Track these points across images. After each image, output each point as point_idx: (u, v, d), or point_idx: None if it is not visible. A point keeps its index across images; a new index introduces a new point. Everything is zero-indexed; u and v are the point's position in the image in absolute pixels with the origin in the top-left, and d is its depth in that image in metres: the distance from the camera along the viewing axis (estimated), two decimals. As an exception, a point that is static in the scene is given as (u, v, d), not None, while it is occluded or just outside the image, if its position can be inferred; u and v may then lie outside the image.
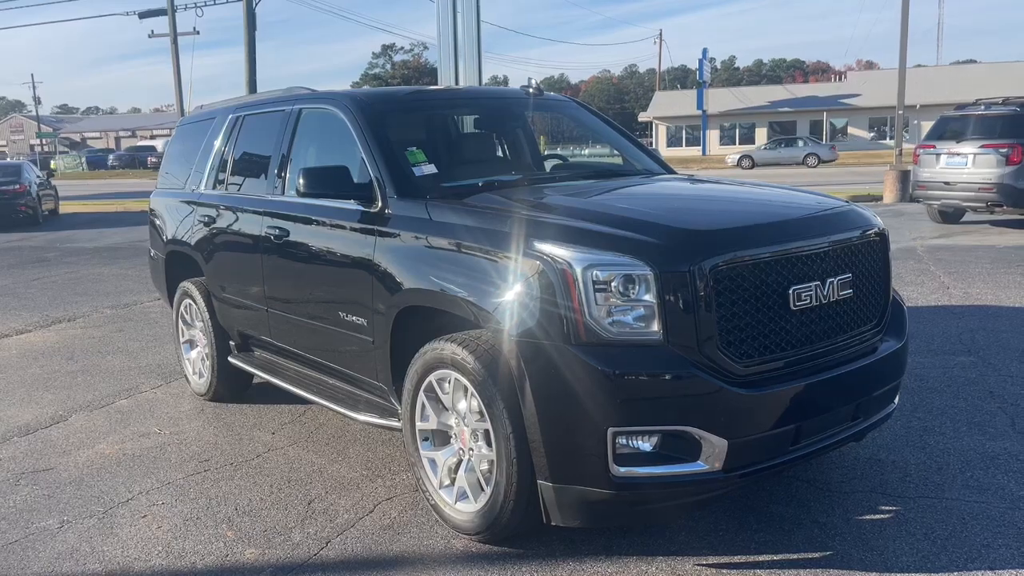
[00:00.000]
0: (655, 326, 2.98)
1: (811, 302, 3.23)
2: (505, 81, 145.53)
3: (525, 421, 3.12)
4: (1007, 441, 4.31)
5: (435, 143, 4.56)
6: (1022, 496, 3.67)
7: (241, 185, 5.17)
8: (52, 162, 61.08)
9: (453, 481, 3.58)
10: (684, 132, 56.66)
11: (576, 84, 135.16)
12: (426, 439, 3.69)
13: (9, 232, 19.06)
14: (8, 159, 52.14)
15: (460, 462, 3.55)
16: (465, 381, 3.35)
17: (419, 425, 3.69)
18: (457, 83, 17.22)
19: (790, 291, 3.16)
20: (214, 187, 5.42)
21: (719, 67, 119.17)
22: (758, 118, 54.69)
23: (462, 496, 3.52)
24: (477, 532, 3.43)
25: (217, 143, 5.49)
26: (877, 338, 3.57)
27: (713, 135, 54.60)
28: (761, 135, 54.17)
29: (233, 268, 5.17)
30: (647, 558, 3.29)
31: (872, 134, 52.45)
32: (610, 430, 2.96)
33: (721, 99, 55.54)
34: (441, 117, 4.76)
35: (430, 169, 4.04)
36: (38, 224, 20.66)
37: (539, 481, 3.15)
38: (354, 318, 4.04)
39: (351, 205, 4.01)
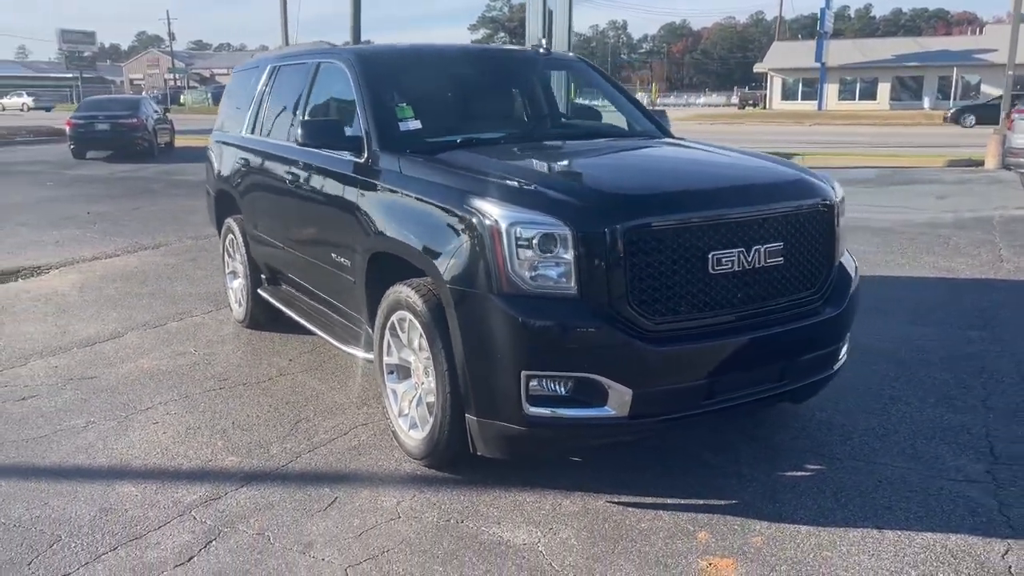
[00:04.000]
0: (571, 281, 3.24)
1: (733, 267, 3.40)
2: (624, 26, 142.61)
3: (455, 360, 3.46)
4: (969, 415, 4.36)
5: (430, 99, 4.83)
6: (950, 466, 3.78)
7: (271, 131, 5.61)
8: (182, 96, 64.27)
9: (409, 411, 3.96)
10: (801, 85, 54.45)
11: (698, 31, 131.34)
12: (391, 372, 4.08)
13: (126, 163, 20.45)
14: (144, 93, 55.23)
15: (416, 394, 3.92)
16: (416, 322, 3.70)
17: (385, 359, 4.08)
18: (548, 28, 17.27)
19: (709, 256, 3.35)
20: (252, 132, 5.90)
21: (852, 16, 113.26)
22: (881, 72, 51.99)
23: (414, 425, 3.90)
24: (423, 457, 3.82)
25: (257, 91, 5.95)
26: (814, 305, 3.70)
27: (832, 89, 52.30)
28: (884, 91, 51.59)
29: (261, 208, 5.66)
30: (566, 491, 3.60)
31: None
32: (523, 373, 3.27)
33: (843, 51, 53.00)
34: (439, 74, 5.03)
35: (415, 125, 4.35)
36: (153, 156, 22.04)
37: (467, 415, 3.50)
38: (342, 259, 4.44)
39: (346, 156, 4.38)
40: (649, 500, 3.54)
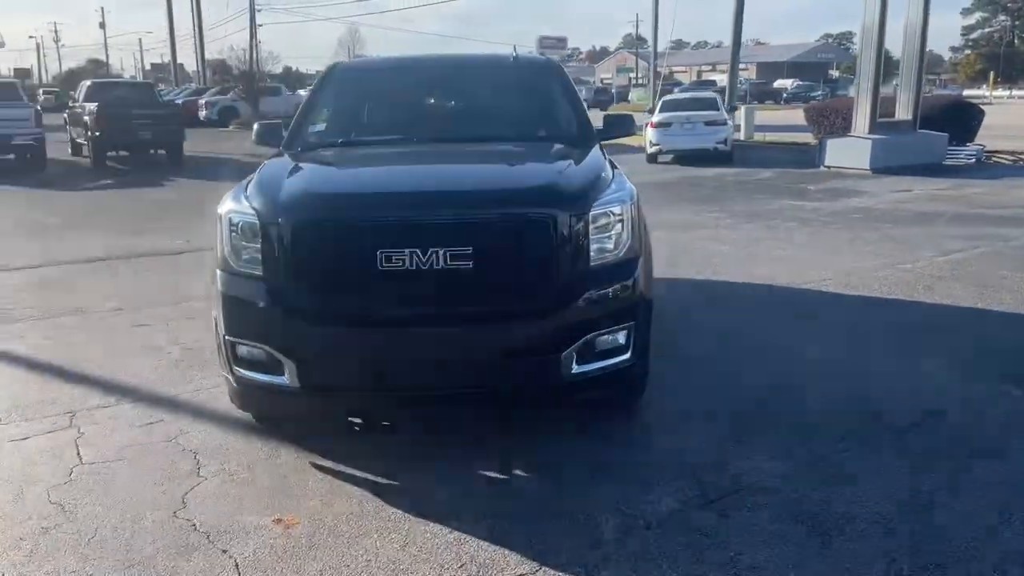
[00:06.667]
0: (258, 264, 3.83)
1: (406, 266, 3.61)
2: None
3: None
4: (759, 460, 3.85)
5: (362, 105, 5.52)
6: (609, 495, 3.63)
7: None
8: (630, 94, 68.88)
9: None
10: None
11: None
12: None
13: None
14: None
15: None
16: None
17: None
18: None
19: (378, 253, 3.63)
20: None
21: None
22: None
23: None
24: (239, 406, 4.62)
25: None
26: (516, 313, 3.70)
27: None
28: None
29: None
30: (305, 450, 4.11)
31: None
32: (226, 338, 3.94)
33: None
34: (384, 82, 5.65)
35: (319, 128, 5.12)
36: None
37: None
38: None
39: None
40: (341, 468, 3.93)
